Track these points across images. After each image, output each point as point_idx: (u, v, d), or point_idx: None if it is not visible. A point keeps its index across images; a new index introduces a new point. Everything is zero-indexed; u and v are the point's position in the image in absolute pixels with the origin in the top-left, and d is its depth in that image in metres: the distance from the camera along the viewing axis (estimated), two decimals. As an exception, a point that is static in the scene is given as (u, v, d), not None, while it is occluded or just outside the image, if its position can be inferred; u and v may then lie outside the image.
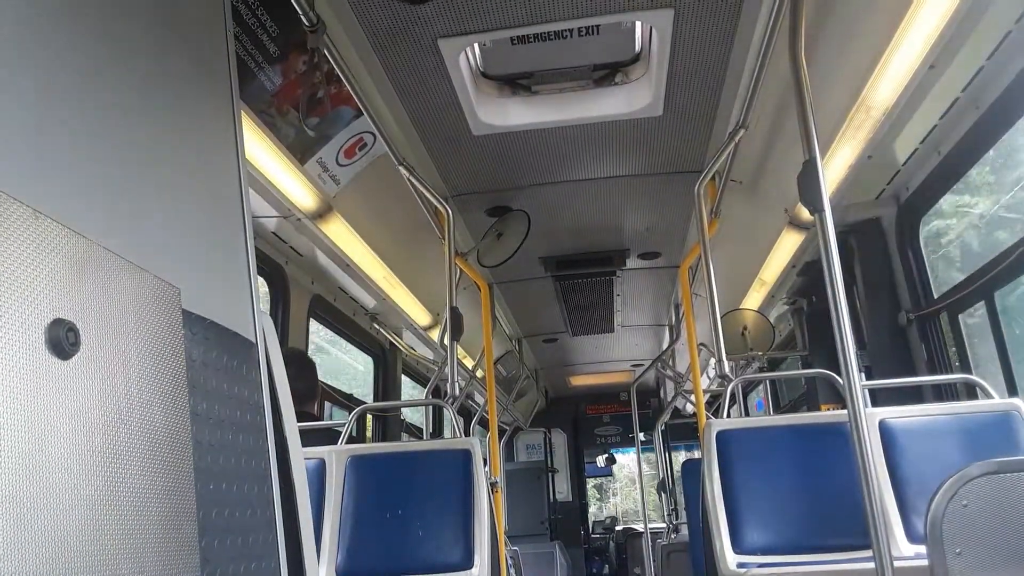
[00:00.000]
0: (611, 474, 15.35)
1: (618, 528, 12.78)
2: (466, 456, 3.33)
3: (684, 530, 6.51)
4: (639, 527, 10.80)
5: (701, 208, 3.85)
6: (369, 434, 6.26)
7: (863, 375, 4.25)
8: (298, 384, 3.86)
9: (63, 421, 0.97)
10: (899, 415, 3.15)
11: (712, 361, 7.08)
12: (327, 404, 5.43)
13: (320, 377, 4.17)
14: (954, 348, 4.13)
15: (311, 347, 4.97)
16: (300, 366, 3.92)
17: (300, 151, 3.69)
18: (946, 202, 4.23)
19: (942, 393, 4.06)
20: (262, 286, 4.52)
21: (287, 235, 4.29)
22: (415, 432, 7.25)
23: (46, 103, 1.12)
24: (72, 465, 0.98)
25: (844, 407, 2.26)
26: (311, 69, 2.86)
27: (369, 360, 6.41)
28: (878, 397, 3.86)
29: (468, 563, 3.14)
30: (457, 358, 4.07)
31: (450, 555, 3.17)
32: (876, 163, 3.86)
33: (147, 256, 1.24)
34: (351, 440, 3.78)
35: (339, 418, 5.32)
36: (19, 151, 1.05)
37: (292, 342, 4.60)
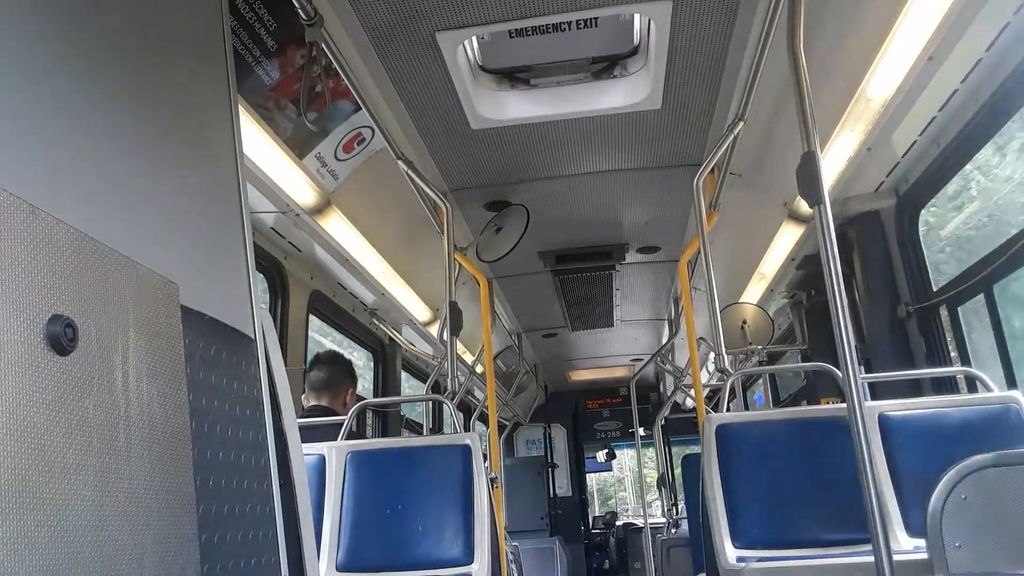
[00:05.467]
0: (611, 469, 15.36)
1: (618, 523, 12.79)
2: (466, 452, 3.33)
3: (684, 525, 6.52)
4: (639, 522, 10.82)
5: (700, 201, 3.84)
6: (369, 430, 6.26)
7: (862, 368, 4.25)
8: (341, 382, 4.03)
9: (62, 417, 0.97)
10: (898, 408, 3.15)
11: (711, 355, 7.07)
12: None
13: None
14: (953, 341, 4.12)
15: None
16: (341, 364, 4.13)
17: (298, 146, 3.68)
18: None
19: (941, 386, 4.06)
20: (261, 282, 4.52)
21: (286, 230, 4.28)
22: (415, 428, 7.25)
23: (43, 99, 1.12)
24: (71, 461, 0.97)
25: (844, 400, 2.26)
26: (309, 63, 2.85)
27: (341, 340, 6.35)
28: (877, 390, 3.86)
29: (468, 559, 3.14)
30: (457, 353, 4.07)
31: (450, 551, 3.17)
32: (875, 155, 3.85)
33: (145, 252, 1.23)
34: (351, 436, 3.78)
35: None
36: (16, 146, 1.04)
37: (291, 338, 4.60)
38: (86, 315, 1.04)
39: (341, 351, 4.97)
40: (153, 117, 1.40)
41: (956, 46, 3.00)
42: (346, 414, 3.96)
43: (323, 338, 5.96)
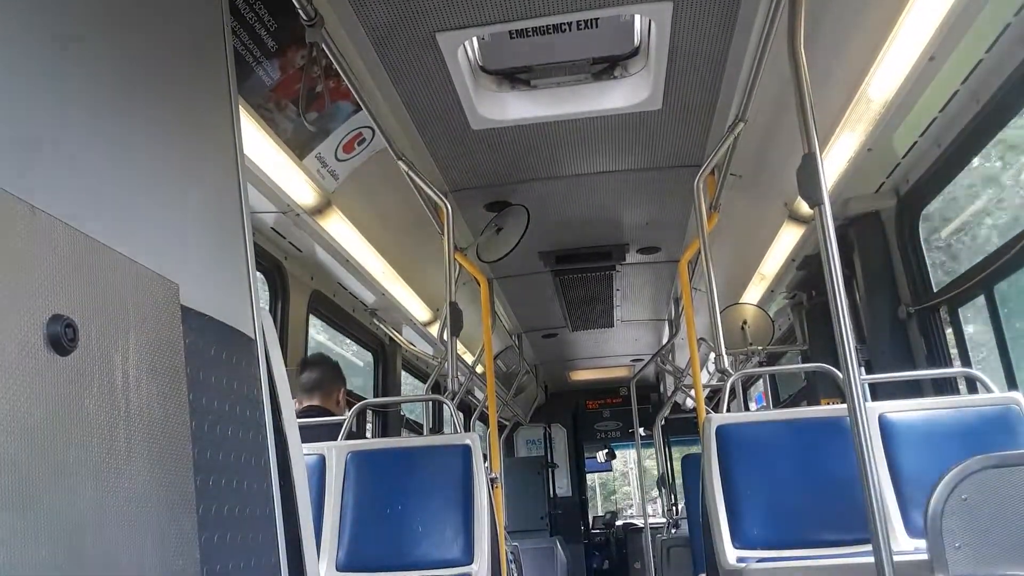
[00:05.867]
0: (611, 469, 15.38)
1: (618, 523, 12.79)
2: (466, 452, 3.33)
3: (684, 525, 6.51)
4: (639, 522, 10.82)
5: (700, 202, 3.84)
6: (369, 430, 6.26)
7: (863, 369, 4.25)
8: (332, 382, 4.05)
9: (62, 417, 0.97)
10: (899, 409, 3.14)
11: (712, 356, 7.07)
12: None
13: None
14: (954, 342, 4.12)
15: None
16: (329, 365, 4.14)
17: (299, 146, 3.68)
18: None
19: (942, 387, 4.06)
20: (261, 282, 4.52)
21: (286, 231, 4.29)
22: (415, 428, 7.25)
23: (43, 100, 1.12)
24: (71, 461, 0.97)
25: (844, 401, 2.26)
26: (309, 63, 2.85)
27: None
28: (878, 391, 3.86)
29: (468, 559, 3.14)
30: (457, 354, 4.07)
31: (450, 551, 3.17)
32: (875, 156, 3.85)
33: (145, 252, 1.23)
34: (351, 436, 3.78)
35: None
36: (16, 146, 1.04)
37: (291, 338, 4.60)
38: (86, 315, 1.04)
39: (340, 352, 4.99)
40: (153, 118, 1.40)
41: (957, 47, 3.00)
42: (340, 413, 3.96)
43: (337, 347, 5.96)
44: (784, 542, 2.92)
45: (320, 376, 4.10)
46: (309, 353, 4.69)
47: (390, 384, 6.48)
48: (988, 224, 4.26)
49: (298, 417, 3.88)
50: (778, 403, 7.35)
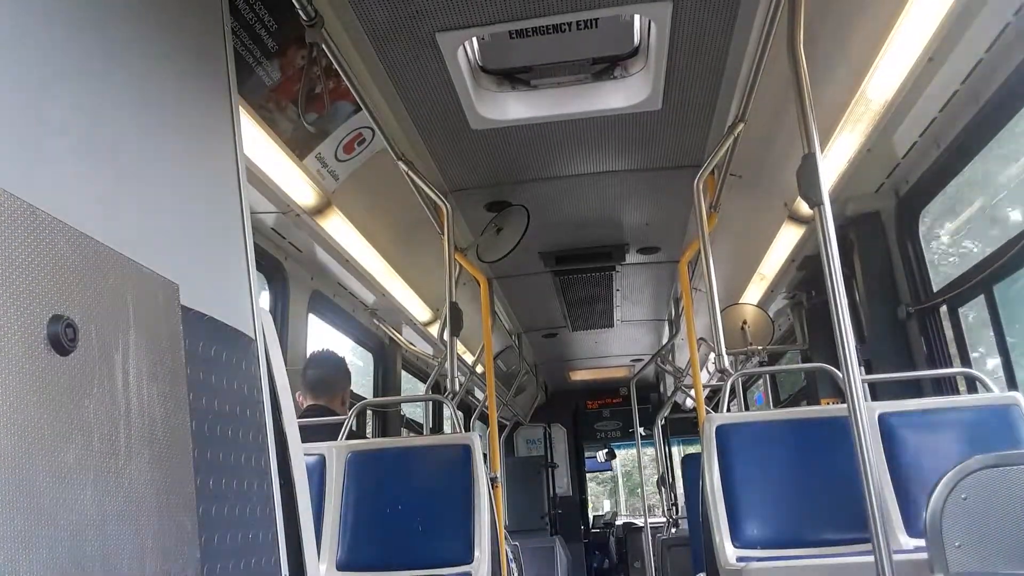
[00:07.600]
0: (611, 469, 15.39)
1: (618, 523, 12.80)
2: (466, 451, 3.33)
3: (684, 524, 6.52)
4: (639, 522, 10.82)
5: (700, 202, 3.84)
6: (369, 430, 6.26)
7: (863, 369, 4.25)
8: (339, 382, 4.05)
9: (62, 417, 0.97)
10: (899, 409, 3.15)
11: (712, 356, 7.08)
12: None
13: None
14: (954, 342, 4.12)
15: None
16: (337, 364, 4.14)
17: (299, 146, 3.68)
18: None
19: (942, 387, 4.06)
20: (261, 282, 4.52)
21: (286, 231, 4.29)
22: (415, 428, 7.25)
23: (43, 98, 1.12)
24: (71, 461, 0.97)
25: (844, 401, 2.26)
26: (309, 64, 2.86)
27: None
28: (878, 391, 3.86)
29: (468, 558, 3.14)
30: (457, 353, 4.07)
31: (450, 550, 3.17)
32: (875, 156, 3.85)
33: (146, 252, 1.23)
34: (351, 436, 3.79)
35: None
36: (16, 146, 1.04)
37: (291, 338, 4.60)
38: (87, 315, 1.04)
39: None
40: (153, 118, 1.40)
41: (956, 47, 3.00)
42: (343, 414, 3.96)
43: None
44: (784, 541, 2.93)
45: (328, 375, 4.08)
46: (308, 353, 4.69)
47: (390, 384, 6.48)
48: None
49: (302, 416, 3.91)
50: (778, 403, 7.35)
